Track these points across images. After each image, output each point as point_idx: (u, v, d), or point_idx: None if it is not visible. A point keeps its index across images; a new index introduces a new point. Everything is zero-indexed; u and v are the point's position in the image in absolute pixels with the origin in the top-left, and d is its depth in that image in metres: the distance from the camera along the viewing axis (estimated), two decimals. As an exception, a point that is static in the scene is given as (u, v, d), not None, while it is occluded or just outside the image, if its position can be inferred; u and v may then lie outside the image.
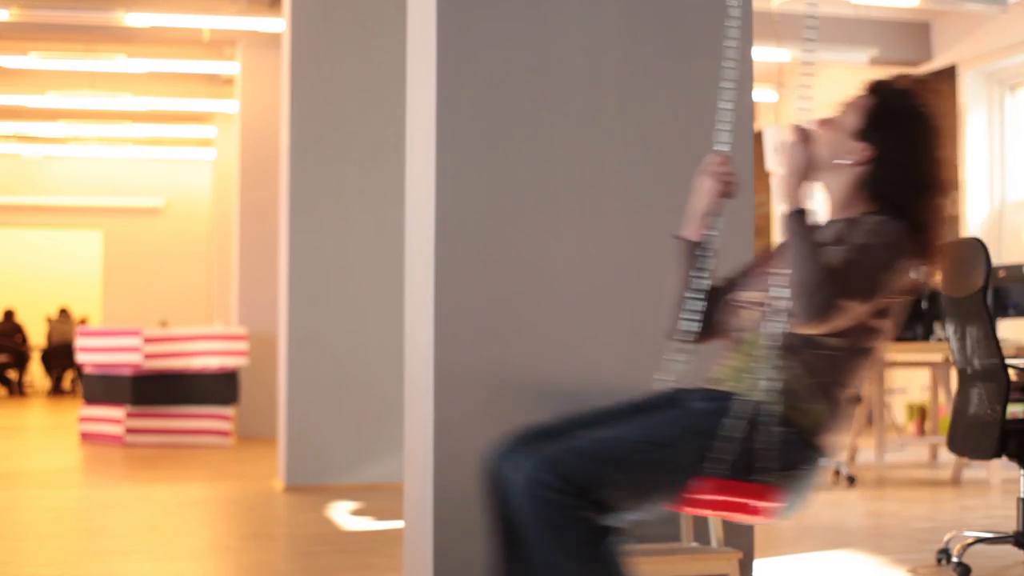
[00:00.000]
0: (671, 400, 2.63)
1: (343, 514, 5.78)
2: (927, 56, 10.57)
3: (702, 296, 2.68)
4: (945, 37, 10.42)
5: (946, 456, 8.10)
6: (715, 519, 3.51)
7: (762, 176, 11.43)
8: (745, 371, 2.51)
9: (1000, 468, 6.88)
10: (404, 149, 4.03)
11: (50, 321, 18.01)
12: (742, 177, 3.83)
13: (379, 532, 5.29)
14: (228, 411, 9.36)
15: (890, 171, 2.60)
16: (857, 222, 2.56)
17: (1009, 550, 4.63)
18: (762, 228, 12.92)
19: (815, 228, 2.47)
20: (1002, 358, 4.24)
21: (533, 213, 3.65)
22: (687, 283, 2.69)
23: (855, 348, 2.50)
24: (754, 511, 2.38)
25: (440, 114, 3.53)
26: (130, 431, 9.22)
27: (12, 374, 17.59)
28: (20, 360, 17.69)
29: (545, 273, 3.65)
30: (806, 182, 2.51)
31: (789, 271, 2.36)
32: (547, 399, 3.65)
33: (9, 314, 17.85)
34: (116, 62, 10.84)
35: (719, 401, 2.44)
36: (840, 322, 2.40)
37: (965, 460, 6.94)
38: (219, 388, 9.39)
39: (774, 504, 2.37)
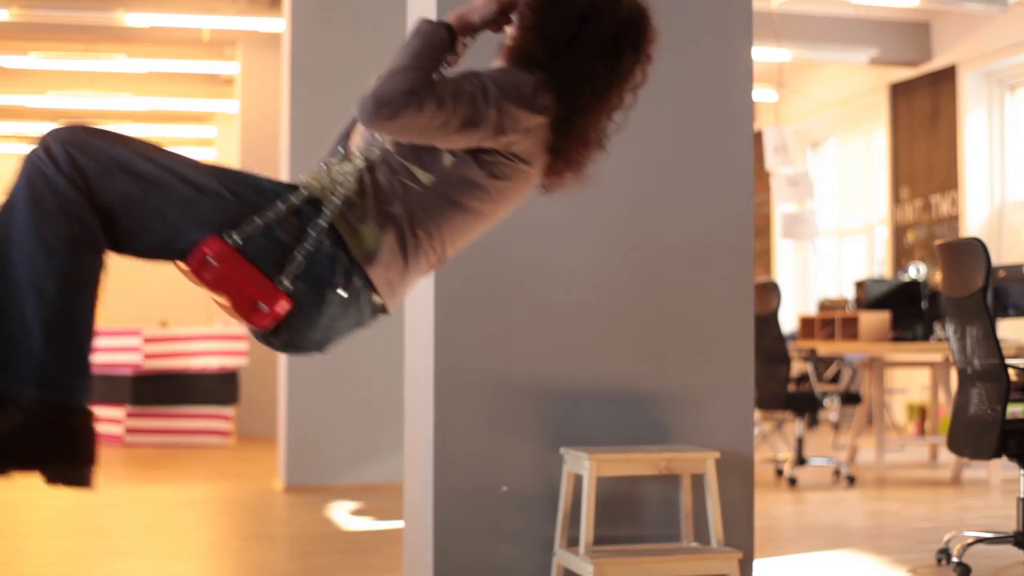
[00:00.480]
0: (247, 176, 2.28)
1: (343, 514, 5.78)
2: (927, 56, 10.57)
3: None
4: (945, 37, 10.42)
5: (946, 456, 8.10)
6: (715, 520, 3.51)
7: (762, 176, 11.43)
8: (330, 174, 2.26)
9: (1000, 468, 6.88)
10: (404, 149, 4.02)
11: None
12: (742, 177, 3.84)
13: (379, 532, 5.29)
14: (228, 411, 9.36)
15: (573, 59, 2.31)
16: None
17: (1009, 550, 4.63)
18: (762, 228, 12.92)
19: (446, 49, 2.24)
20: (1002, 358, 4.24)
21: (533, 213, 3.65)
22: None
23: (446, 195, 2.26)
24: (252, 308, 2.12)
25: (440, 114, 3.53)
26: (130, 431, 9.22)
27: (12, 374, 17.58)
28: (20, 360, 17.68)
29: (545, 274, 3.65)
30: (476, 16, 2.29)
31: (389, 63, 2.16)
32: (551, 400, 3.66)
33: (9, 314, 17.83)
34: (116, 62, 10.84)
35: (287, 189, 2.21)
36: (414, 123, 2.13)
37: (965, 460, 6.94)
38: (219, 388, 9.39)
39: (277, 309, 2.11)
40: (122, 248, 2.17)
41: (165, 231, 2.13)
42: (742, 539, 3.70)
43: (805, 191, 9.80)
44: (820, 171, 12.68)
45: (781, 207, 11.24)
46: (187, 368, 9.36)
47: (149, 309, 16.59)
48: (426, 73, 2.17)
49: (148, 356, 9.24)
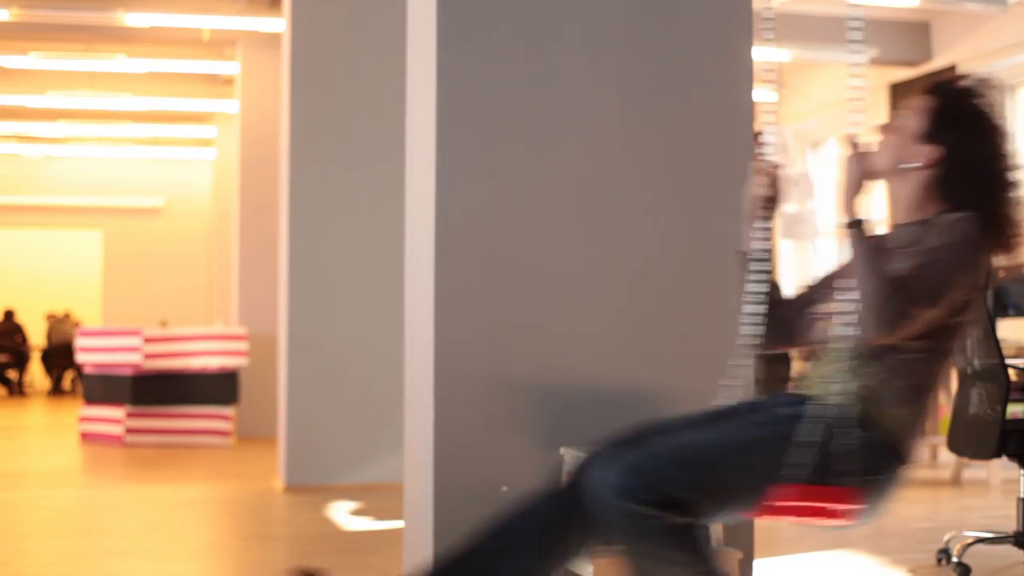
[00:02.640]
0: (753, 407, 2.66)
1: (343, 514, 5.78)
2: (927, 56, 10.57)
3: (764, 303, 2.73)
4: (945, 37, 10.42)
5: (946, 456, 8.10)
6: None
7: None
8: (826, 377, 2.53)
9: (1000, 468, 6.87)
10: (404, 149, 4.03)
11: (50, 321, 18.01)
12: (742, 177, 3.84)
13: (379, 532, 5.29)
14: (228, 411, 9.36)
15: (960, 170, 2.59)
16: (931, 222, 2.57)
17: (1009, 550, 4.63)
18: (762, 228, 12.90)
19: (875, 239, 2.49)
20: (1002, 358, 4.24)
21: (533, 213, 3.65)
22: (751, 296, 2.75)
23: (935, 349, 2.51)
24: (833, 514, 2.38)
25: (440, 114, 3.53)
26: (130, 431, 9.22)
27: (12, 374, 17.59)
28: (20, 360, 17.69)
29: (545, 273, 3.65)
30: (861, 194, 2.52)
31: (855, 284, 2.41)
32: (551, 400, 3.66)
33: (9, 314, 17.85)
34: (116, 62, 10.84)
35: (799, 406, 2.46)
36: (914, 329, 2.42)
37: (965, 460, 6.94)
38: (219, 388, 9.39)
39: (854, 507, 2.38)
40: (703, 518, 2.46)
41: (732, 500, 2.46)
42: (742, 539, 3.70)
43: (805, 191, 9.80)
44: (820, 171, 12.68)
45: (781, 207, 11.22)
46: (187, 368, 9.36)
47: (149, 309, 16.59)
48: (894, 287, 2.39)
49: (148, 356, 9.24)
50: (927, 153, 2.61)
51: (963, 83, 2.69)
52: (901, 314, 2.37)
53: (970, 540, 4.43)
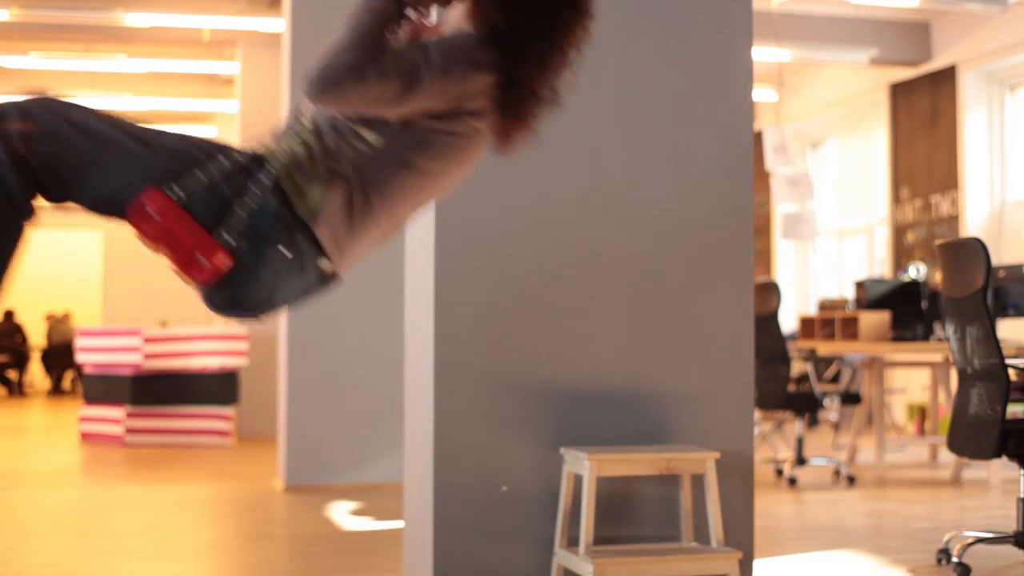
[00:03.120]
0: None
1: (343, 514, 5.78)
2: (927, 56, 10.57)
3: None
4: (945, 37, 10.42)
5: (946, 456, 8.10)
6: (715, 520, 3.51)
7: (762, 176, 11.42)
8: (280, 137, 2.27)
9: (1000, 468, 6.88)
10: (404, 149, 4.03)
11: (50, 321, 18.01)
12: (742, 177, 3.84)
13: (379, 532, 5.29)
14: (228, 411, 9.36)
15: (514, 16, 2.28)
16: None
17: (1009, 550, 4.63)
18: (762, 228, 12.91)
19: (392, 20, 2.22)
20: (1002, 358, 4.24)
21: (533, 213, 3.65)
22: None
23: (395, 155, 2.25)
24: (191, 261, 2.13)
25: (440, 114, 3.53)
26: (130, 431, 9.22)
27: (12, 374, 17.59)
28: (20, 360, 17.69)
29: (545, 273, 3.65)
30: None
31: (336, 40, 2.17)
32: (551, 400, 3.66)
33: (9, 314, 17.85)
34: (116, 62, 10.84)
35: (231, 146, 2.22)
36: (355, 105, 2.16)
37: (965, 460, 6.94)
38: (219, 388, 9.39)
39: (216, 263, 2.12)
40: (73, 200, 2.19)
41: (109, 184, 2.15)
42: (742, 539, 3.70)
43: (805, 191, 9.80)
44: (820, 171, 12.68)
45: (781, 207, 11.25)
46: (187, 368, 9.36)
47: (149, 309, 16.59)
48: (369, 48, 2.17)
49: (148, 356, 9.24)
50: None
51: None
52: (352, 68, 2.12)
53: (970, 540, 4.44)
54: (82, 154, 2.12)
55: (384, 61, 2.16)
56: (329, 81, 2.14)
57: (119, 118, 2.19)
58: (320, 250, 2.22)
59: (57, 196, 2.17)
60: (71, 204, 2.19)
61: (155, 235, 2.12)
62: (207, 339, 9.50)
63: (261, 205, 2.15)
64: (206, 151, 2.18)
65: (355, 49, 2.17)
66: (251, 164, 2.18)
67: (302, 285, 2.25)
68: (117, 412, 9.31)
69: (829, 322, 8.28)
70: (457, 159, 2.34)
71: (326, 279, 2.28)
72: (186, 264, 2.14)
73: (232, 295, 2.19)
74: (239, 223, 2.14)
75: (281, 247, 2.17)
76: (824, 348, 7.77)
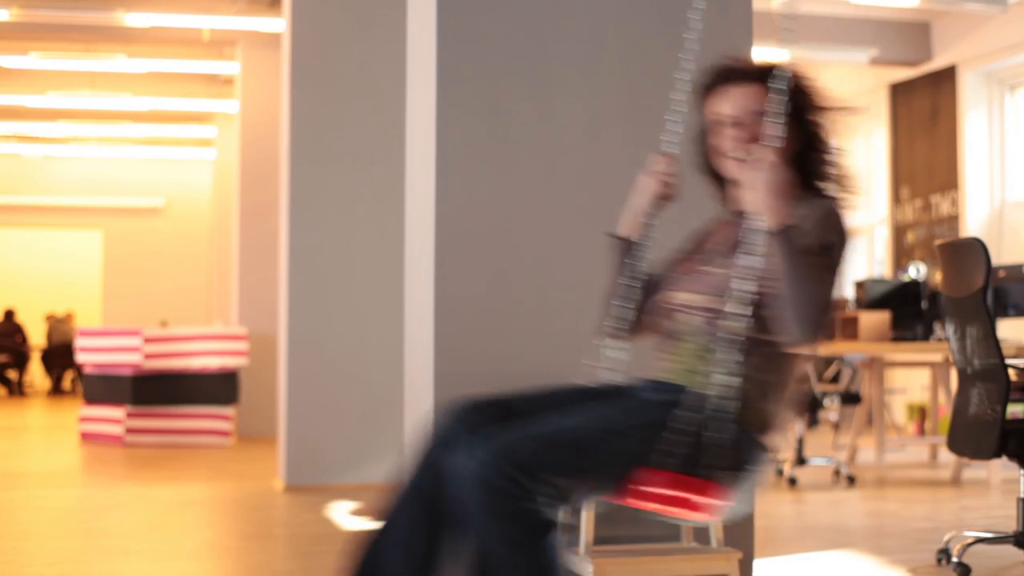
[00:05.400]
0: (620, 391, 2.63)
1: (343, 514, 5.78)
2: (927, 56, 10.57)
3: (634, 294, 2.73)
4: (945, 37, 10.42)
5: (946, 456, 8.10)
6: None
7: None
8: (696, 369, 2.51)
9: (1000, 468, 6.88)
10: (404, 149, 4.03)
11: (50, 321, 18.01)
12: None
13: (379, 532, 5.28)
14: (228, 411, 9.36)
15: (813, 153, 2.70)
16: (817, 215, 2.57)
17: (1009, 550, 4.63)
18: (762, 228, 12.90)
19: (801, 243, 2.44)
20: (1002, 358, 4.24)
21: (533, 213, 3.65)
22: (619, 282, 2.73)
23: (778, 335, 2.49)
24: (696, 507, 2.35)
25: (440, 114, 3.54)
26: (130, 431, 9.22)
27: (12, 374, 17.59)
28: (20, 360, 17.69)
29: (545, 273, 3.65)
30: (784, 198, 2.47)
31: (788, 291, 2.36)
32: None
33: (9, 314, 17.85)
34: (116, 62, 10.85)
35: (672, 393, 2.45)
36: (830, 334, 2.43)
37: (965, 460, 6.94)
38: (219, 388, 9.39)
39: (718, 501, 2.36)
40: (569, 501, 2.44)
41: (600, 480, 2.43)
42: (742, 539, 3.70)
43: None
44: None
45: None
46: (187, 368, 9.36)
47: (149, 309, 16.60)
48: (824, 278, 2.42)
49: (148, 356, 9.24)
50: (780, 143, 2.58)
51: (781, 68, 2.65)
52: (831, 325, 2.38)
53: (970, 540, 4.43)
54: (568, 468, 2.37)
55: (831, 284, 2.43)
56: (820, 327, 2.37)
57: (577, 418, 2.43)
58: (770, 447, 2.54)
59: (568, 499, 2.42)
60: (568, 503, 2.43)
61: (659, 505, 2.37)
62: (207, 339, 9.51)
63: (732, 438, 2.38)
64: (660, 413, 2.39)
65: (813, 285, 2.37)
66: (709, 406, 2.38)
67: (759, 479, 2.56)
68: (117, 412, 9.31)
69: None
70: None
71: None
72: (690, 510, 2.38)
73: (729, 512, 2.51)
74: (722, 460, 2.37)
75: (756, 464, 2.48)
76: (824, 348, 7.77)
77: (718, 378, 2.40)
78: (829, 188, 2.65)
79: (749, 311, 2.42)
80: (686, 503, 2.34)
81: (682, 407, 2.38)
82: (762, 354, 2.47)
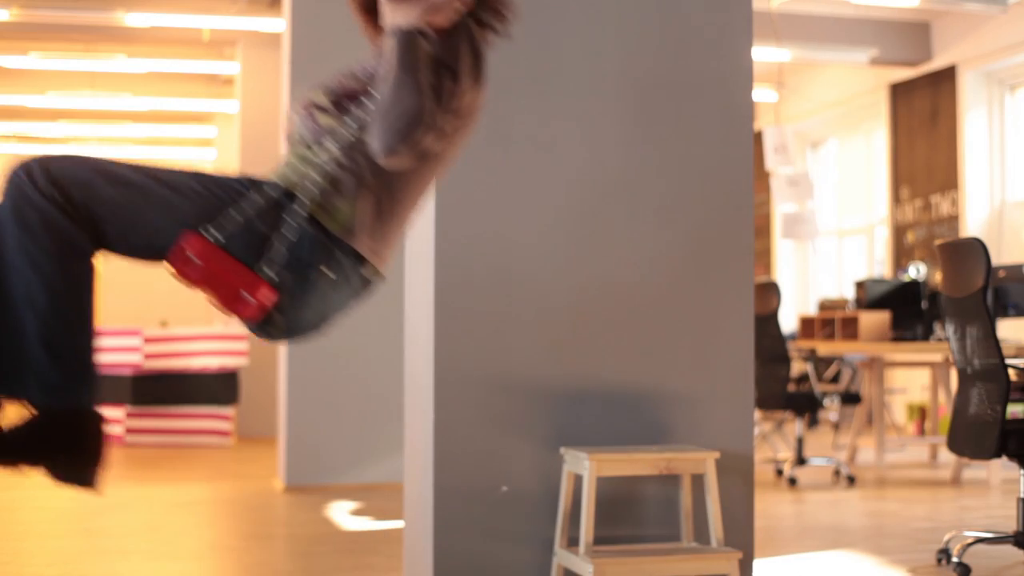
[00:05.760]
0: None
1: (343, 514, 5.78)
2: (927, 56, 10.57)
3: None
4: (945, 37, 10.42)
5: (946, 456, 8.10)
6: (715, 520, 3.51)
7: (762, 176, 11.42)
8: (292, 164, 2.34)
9: (1000, 468, 6.88)
10: (404, 149, 4.03)
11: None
12: (742, 177, 3.84)
13: (379, 532, 5.29)
14: (228, 411, 9.35)
15: None
16: (456, 33, 2.33)
17: (1009, 550, 4.63)
18: (762, 228, 12.91)
19: (420, 52, 2.23)
20: (1002, 358, 4.24)
21: (533, 213, 3.65)
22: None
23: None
24: (236, 299, 2.20)
25: (440, 114, 3.53)
26: (130, 431, 9.22)
27: (12, 374, 17.57)
28: (20, 360, 17.67)
29: (545, 274, 3.65)
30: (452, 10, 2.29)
31: (384, 96, 2.18)
32: (551, 400, 3.66)
33: (9, 314, 17.83)
34: (116, 62, 10.84)
35: (258, 181, 2.29)
36: (419, 149, 2.19)
37: (965, 460, 6.94)
38: (219, 388, 9.39)
39: (261, 298, 2.19)
40: (111, 250, 2.25)
41: (146, 231, 2.22)
42: (742, 539, 3.70)
43: (805, 191, 9.80)
44: (820, 171, 12.68)
45: (781, 207, 11.24)
46: (187, 368, 9.36)
47: (149, 309, 16.59)
48: (427, 93, 2.19)
49: (148, 356, 9.24)
50: None
51: None
52: (418, 141, 2.15)
53: (970, 540, 4.44)
54: (114, 203, 2.18)
55: (434, 102, 2.21)
56: (406, 140, 2.16)
57: (146, 165, 2.24)
58: (360, 259, 2.29)
59: (102, 248, 2.23)
60: (109, 253, 2.25)
61: (198, 278, 2.20)
62: (207, 339, 9.50)
63: (298, 235, 2.21)
64: (236, 190, 2.25)
65: (413, 97, 2.17)
66: (282, 197, 2.25)
67: (350, 294, 2.33)
68: (117, 412, 9.30)
69: (829, 322, 8.28)
70: (461, 135, 2.40)
71: (371, 282, 2.35)
72: (232, 303, 2.21)
73: (285, 324, 2.27)
74: (279, 256, 2.20)
75: (324, 269, 2.24)
76: (824, 348, 7.77)
77: (297, 171, 2.27)
78: (484, 14, 2.39)
79: (348, 110, 2.27)
80: (232, 292, 2.19)
81: (254, 188, 2.24)
82: (352, 155, 2.27)
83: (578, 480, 3.52)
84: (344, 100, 2.33)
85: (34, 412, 2.16)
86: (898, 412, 10.20)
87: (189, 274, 2.19)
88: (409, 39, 2.21)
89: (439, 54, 2.27)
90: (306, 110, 2.38)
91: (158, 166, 2.24)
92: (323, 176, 2.27)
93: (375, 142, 2.17)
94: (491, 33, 2.41)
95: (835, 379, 9.57)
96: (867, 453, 8.20)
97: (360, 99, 2.30)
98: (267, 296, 2.19)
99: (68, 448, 2.17)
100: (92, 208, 2.16)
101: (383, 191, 2.30)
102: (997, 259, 9.32)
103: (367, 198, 2.28)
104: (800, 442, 7.22)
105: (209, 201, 2.21)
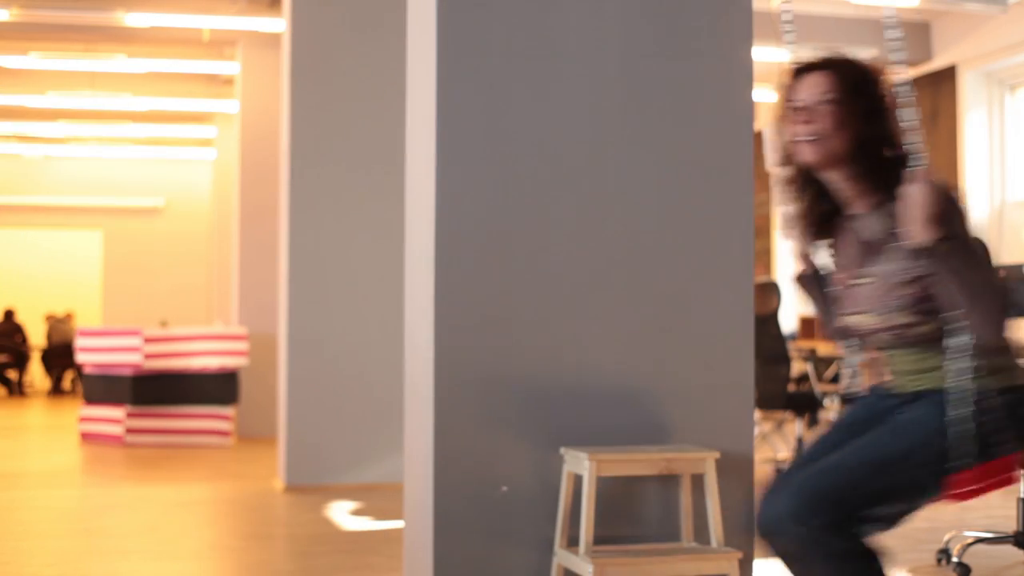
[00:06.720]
0: (871, 417, 2.71)
1: (343, 514, 5.78)
2: (927, 56, 10.57)
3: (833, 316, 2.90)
4: (945, 37, 10.42)
5: (946, 456, 8.08)
6: (715, 520, 3.51)
7: (762, 176, 11.41)
8: (924, 370, 2.59)
9: (1000, 468, 6.86)
10: (404, 149, 4.03)
11: (50, 321, 18.01)
12: (742, 177, 3.84)
13: (379, 532, 5.29)
14: (228, 411, 9.36)
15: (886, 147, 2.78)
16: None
17: (1009, 550, 4.63)
18: (762, 228, 12.91)
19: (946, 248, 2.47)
20: (1002, 358, 4.23)
21: (533, 213, 3.65)
22: (824, 311, 2.94)
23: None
24: (1012, 479, 2.49)
25: (440, 115, 3.53)
26: (130, 431, 9.22)
27: (12, 374, 17.58)
28: (20, 360, 17.68)
29: (545, 273, 3.65)
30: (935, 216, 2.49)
31: (963, 299, 2.44)
32: (551, 400, 3.66)
33: (9, 314, 17.84)
34: (116, 62, 10.84)
35: (931, 402, 2.54)
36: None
37: (965, 460, 6.92)
38: (219, 388, 9.39)
39: (1018, 465, 2.49)
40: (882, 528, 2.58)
41: (911, 501, 2.57)
42: (742, 539, 3.70)
43: (805, 191, 9.78)
44: (820, 171, 12.66)
45: (781, 207, 11.22)
46: (187, 368, 9.36)
47: (149, 309, 16.59)
48: (997, 286, 2.51)
49: (148, 356, 9.24)
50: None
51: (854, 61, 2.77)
52: (1004, 299, 2.47)
53: (970, 540, 4.44)
54: (875, 497, 2.51)
55: (991, 273, 2.53)
56: (1005, 326, 2.49)
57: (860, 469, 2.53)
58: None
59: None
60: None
61: (980, 495, 2.50)
62: (207, 339, 9.51)
63: (1004, 407, 2.50)
64: (933, 427, 2.52)
65: (995, 292, 2.47)
66: (974, 397, 2.50)
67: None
68: (117, 412, 9.31)
69: (829, 322, 8.26)
70: None
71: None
72: (1012, 483, 2.53)
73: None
74: (1008, 430, 2.49)
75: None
76: (824, 348, 7.77)
77: (951, 369, 2.51)
78: (907, 172, 2.63)
79: (923, 312, 2.54)
80: (1002, 482, 2.48)
81: (953, 408, 2.49)
82: (961, 332, 2.53)
83: (578, 480, 3.52)
84: (918, 305, 2.57)
85: None
86: (898, 412, 10.19)
87: (972, 497, 2.51)
88: (952, 252, 2.42)
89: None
90: (881, 331, 2.66)
91: (866, 450, 2.54)
92: (972, 360, 2.53)
93: (984, 335, 2.47)
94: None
95: (835, 379, 9.57)
96: (867, 453, 8.18)
97: (926, 299, 2.54)
98: (1017, 459, 2.52)
99: None
100: (856, 506, 2.48)
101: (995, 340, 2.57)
102: (997, 259, 9.32)
103: (1001, 350, 2.55)
104: (800, 442, 7.22)
105: (928, 445, 2.50)
